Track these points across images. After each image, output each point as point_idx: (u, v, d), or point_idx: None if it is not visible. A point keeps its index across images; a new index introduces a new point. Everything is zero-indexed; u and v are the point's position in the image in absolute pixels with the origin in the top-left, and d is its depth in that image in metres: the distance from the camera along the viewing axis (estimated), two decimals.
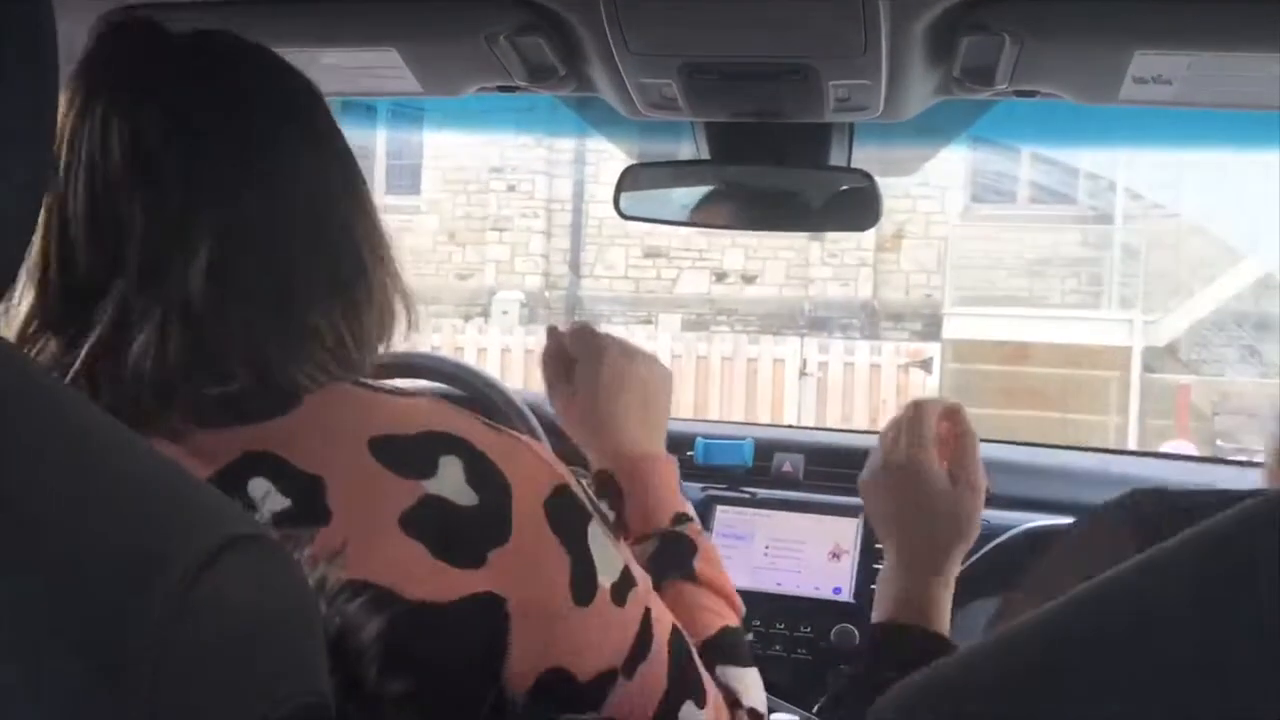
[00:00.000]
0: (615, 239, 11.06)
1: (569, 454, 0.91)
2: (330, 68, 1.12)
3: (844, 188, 1.38)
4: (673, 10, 1.00)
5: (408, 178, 11.27)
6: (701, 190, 1.42)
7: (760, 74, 1.11)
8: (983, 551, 1.51)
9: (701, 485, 1.75)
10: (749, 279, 10.99)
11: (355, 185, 0.76)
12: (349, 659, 0.63)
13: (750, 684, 0.87)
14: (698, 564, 0.91)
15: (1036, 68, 1.07)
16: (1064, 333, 9.74)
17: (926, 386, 9.22)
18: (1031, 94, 1.14)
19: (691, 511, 0.96)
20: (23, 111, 0.45)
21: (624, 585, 0.74)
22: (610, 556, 0.74)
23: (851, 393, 9.27)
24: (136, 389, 0.66)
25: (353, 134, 0.79)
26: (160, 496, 0.47)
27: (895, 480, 0.97)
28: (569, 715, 0.73)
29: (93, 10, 0.77)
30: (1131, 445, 8.73)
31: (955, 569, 0.96)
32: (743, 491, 1.75)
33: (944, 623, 0.94)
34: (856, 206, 1.37)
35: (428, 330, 9.70)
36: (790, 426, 5.94)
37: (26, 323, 0.70)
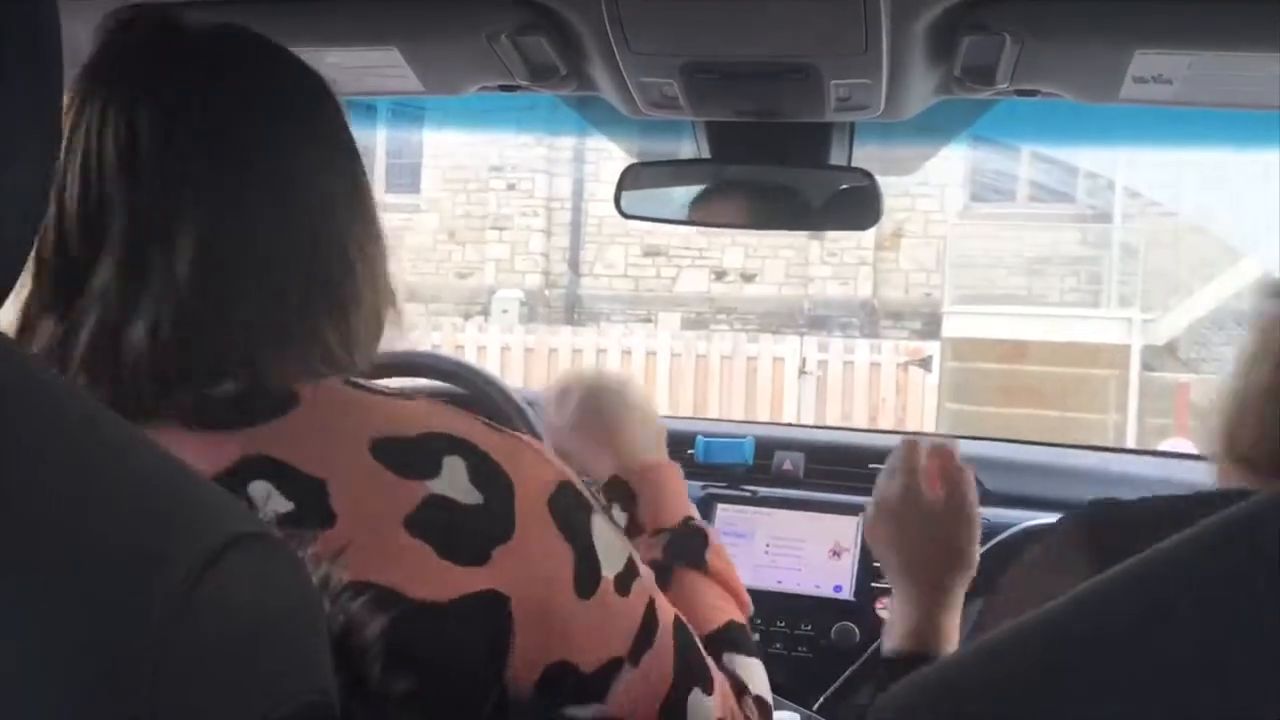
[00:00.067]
0: (615, 237, 11.05)
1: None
2: (332, 67, 1.12)
3: (844, 187, 1.38)
4: (674, 10, 1.01)
5: (408, 176, 11.26)
6: (702, 189, 1.42)
7: (761, 73, 1.11)
8: (983, 550, 1.51)
9: (702, 483, 1.75)
10: (748, 277, 10.98)
11: (357, 185, 0.76)
12: (353, 657, 0.63)
13: (756, 674, 0.88)
14: (710, 557, 0.92)
15: (1037, 67, 1.07)
16: (1063, 331, 9.72)
17: (926, 384, 9.22)
18: (1032, 93, 1.14)
19: (699, 518, 0.97)
20: (24, 112, 0.44)
21: (628, 575, 0.75)
22: (615, 548, 0.74)
23: (851, 391, 9.26)
24: (135, 387, 0.66)
25: (353, 133, 0.78)
26: (162, 494, 0.46)
27: (891, 518, 1.02)
28: (574, 708, 0.73)
29: (100, 10, 0.77)
30: (1130, 444, 8.72)
31: (959, 596, 1.00)
32: (743, 490, 1.75)
33: (951, 649, 0.98)
34: (857, 205, 1.37)
35: (428, 329, 9.70)
36: (791, 425, 5.93)
37: (28, 306, 0.70)
